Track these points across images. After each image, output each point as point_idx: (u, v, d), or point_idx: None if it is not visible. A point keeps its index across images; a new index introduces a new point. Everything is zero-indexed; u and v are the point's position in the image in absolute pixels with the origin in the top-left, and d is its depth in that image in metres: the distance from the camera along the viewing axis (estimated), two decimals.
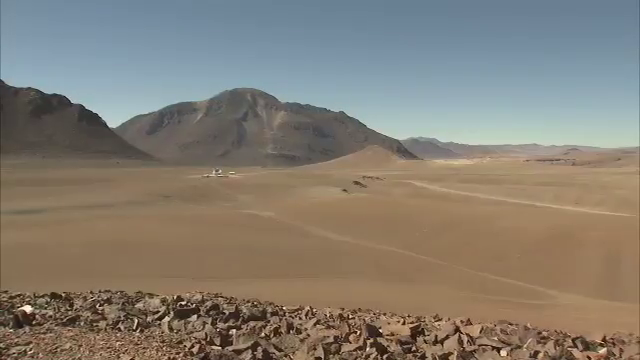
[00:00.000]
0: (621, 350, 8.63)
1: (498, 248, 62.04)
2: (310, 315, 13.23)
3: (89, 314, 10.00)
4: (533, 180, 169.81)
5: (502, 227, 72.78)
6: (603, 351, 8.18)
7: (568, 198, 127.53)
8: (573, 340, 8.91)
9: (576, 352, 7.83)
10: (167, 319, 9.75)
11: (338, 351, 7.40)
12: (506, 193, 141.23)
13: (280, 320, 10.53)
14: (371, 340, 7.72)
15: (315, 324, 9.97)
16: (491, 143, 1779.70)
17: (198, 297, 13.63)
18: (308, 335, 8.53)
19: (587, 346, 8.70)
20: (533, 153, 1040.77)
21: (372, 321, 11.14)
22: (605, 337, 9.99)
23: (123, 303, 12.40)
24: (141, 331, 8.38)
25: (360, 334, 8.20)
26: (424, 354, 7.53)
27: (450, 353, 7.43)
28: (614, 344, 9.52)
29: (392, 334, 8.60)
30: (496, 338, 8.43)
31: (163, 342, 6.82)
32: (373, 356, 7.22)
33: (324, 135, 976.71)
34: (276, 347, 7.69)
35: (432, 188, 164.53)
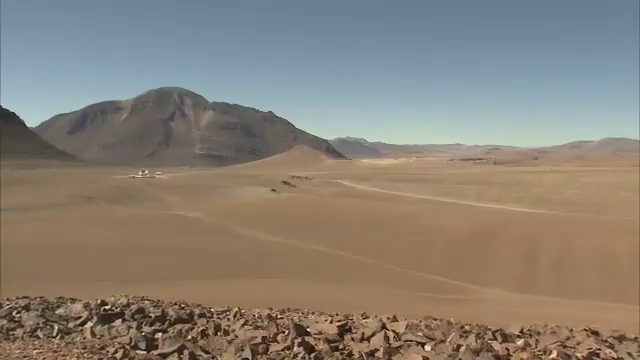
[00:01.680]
0: (537, 341, 9.03)
1: (423, 246, 63.48)
2: (238, 316, 13.12)
3: (5, 322, 9.54)
4: (457, 179, 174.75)
5: (427, 225, 74.50)
6: (520, 342, 8.54)
7: (489, 196, 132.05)
8: (493, 333, 9.25)
9: (495, 344, 8.12)
10: (89, 324, 9.45)
11: (266, 351, 7.40)
12: (431, 192, 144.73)
13: (208, 322, 10.41)
14: (299, 339, 7.75)
15: (243, 325, 9.90)
16: (417, 143, 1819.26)
17: (123, 301, 13.27)
18: (236, 336, 8.47)
19: (506, 338, 9.04)
20: (457, 153, 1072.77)
21: (300, 320, 11.16)
22: (522, 329, 10.41)
23: (43, 309, 11.87)
24: (61, 338, 8.08)
25: (288, 334, 8.22)
26: (351, 351, 7.62)
27: (376, 349, 7.55)
28: (530, 335, 9.93)
29: (320, 333, 8.66)
30: (421, 333, 8.62)
31: (85, 348, 6.62)
32: (301, 355, 7.25)
33: (252, 135, 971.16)
34: (203, 349, 7.61)
35: (360, 187, 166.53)
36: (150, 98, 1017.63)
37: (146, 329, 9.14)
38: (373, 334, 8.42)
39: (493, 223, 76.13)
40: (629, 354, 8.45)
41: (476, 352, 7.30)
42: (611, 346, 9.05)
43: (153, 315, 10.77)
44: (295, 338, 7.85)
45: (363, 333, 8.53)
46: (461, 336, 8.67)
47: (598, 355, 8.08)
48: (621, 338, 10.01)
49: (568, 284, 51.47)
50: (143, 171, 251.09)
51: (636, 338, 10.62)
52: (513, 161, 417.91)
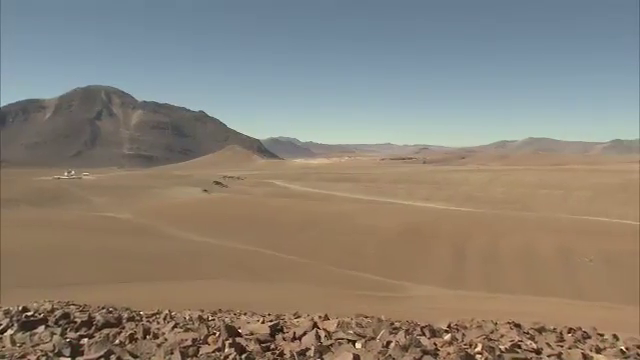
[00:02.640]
0: (463, 335, 9.31)
1: (356, 244, 64.24)
2: (168, 319, 12.88)
3: None
4: (388, 178, 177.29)
5: (360, 224, 75.45)
6: (447, 337, 8.79)
7: (420, 195, 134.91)
8: (422, 328, 9.48)
9: (424, 339, 8.31)
10: (9, 332, 9.05)
11: (196, 354, 7.30)
12: (363, 191, 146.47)
13: (136, 326, 10.17)
14: (230, 341, 7.68)
15: (173, 328, 9.73)
16: (349, 143, 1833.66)
17: (47, 306, 12.80)
18: (165, 339, 8.32)
19: (434, 333, 9.28)
20: (388, 152, 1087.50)
21: (232, 322, 11.07)
22: (450, 324, 10.72)
23: None
24: None
25: (219, 335, 8.13)
26: (282, 351, 7.63)
27: (307, 349, 7.59)
28: (458, 330, 10.23)
29: (251, 333, 8.62)
30: (352, 331, 8.72)
31: (3, 357, 6.36)
32: (232, 356, 7.19)
33: (183, 135, 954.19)
34: (131, 354, 7.43)
35: (293, 187, 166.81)
36: (76, 97, 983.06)
37: (71, 335, 8.83)
38: (304, 333, 8.45)
39: (424, 222, 77.87)
40: (548, 344, 8.85)
41: (405, 348, 7.43)
42: (532, 337, 9.46)
43: (79, 320, 10.42)
44: (226, 339, 7.78)
45: (294, 333, 8.55)
46: (391, 333, 8.81)
47: (520, 347, 8.41)
48: (541, 329, 10.47)
49: (495, 279, 53.27)
50: (69, 172, 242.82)
51: (555, 329, 11.13)
52: (441, 160, 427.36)
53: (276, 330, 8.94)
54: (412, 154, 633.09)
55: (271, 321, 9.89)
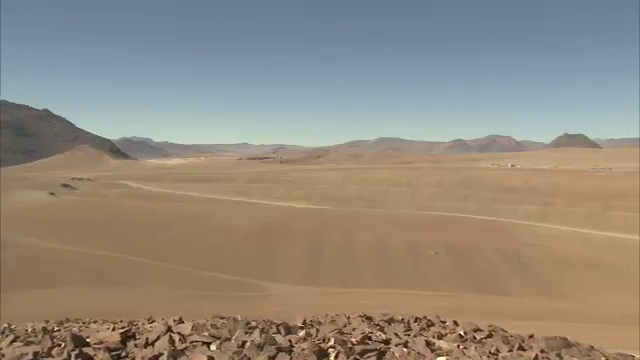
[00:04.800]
0: (317, 330, 9.56)
1: (213, 245, 63.64)
2: (7, 332, 11.96)
3: None
4: (245, 178, 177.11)
5: (217, 224, 74.81)
6: (302, 333, 8.97)
7: (276, 194, 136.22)
8: (277, 326, 9.60)
9: (279, 337, 8.43)
10: None
11: None
12: (220, 191, 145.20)
13: None
14: (76, 351, 7.31)
15: (12, 342, 9.05)
16: (205, 142, 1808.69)
17: None
18: (3, 355, 7.74)
19: (289, 330, 9.44)
20: (245, 152, 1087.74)
21: (80, 331, 10.53)
22: (305, 320, 10.95)
23: None
24: None
25: (64, 346, 7.71)
26: (134, 358, 7.39)
27: (161, 354, 7.41)
28: (312, 325, 10.48)
29: (101, 342, 8.24)
30: (207, 333, 8.64)
31: None
32: None
33: (26, 134, 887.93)
34: None
35: (147, 188, 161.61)
36: None
37: None
38: (158, 338, 8.24)
39: (280, 221, 78.83)
40: (396, 334, 9.34)
41: (260, 347, 7.50)
42: (382, 329, 9.93)
43: None
44: (72, 350, 7.39)
45: (147, 338, 8.31)
46: (247, 332, 8.84)
47: (370, 338, 8.78)
48: (390, 320, 11.03)
49: (349, 274, 55.19)
50: None
51: (403, 319, 11.77)
52: (298, 160, 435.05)
53: (128, 337, 8.63)
54: (269, 154, 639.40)
55: (123, 328, 9.53)
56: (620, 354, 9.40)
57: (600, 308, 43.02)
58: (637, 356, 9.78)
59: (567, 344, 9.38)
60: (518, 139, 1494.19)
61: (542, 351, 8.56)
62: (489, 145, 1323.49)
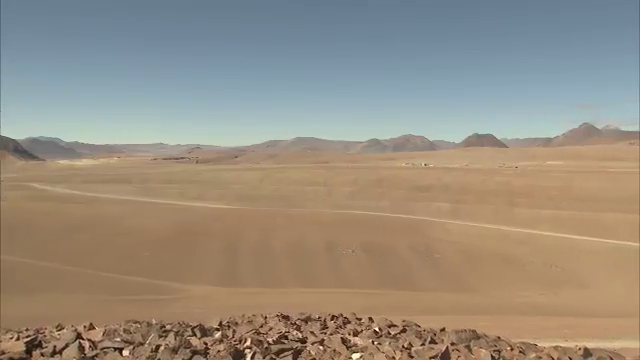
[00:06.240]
0: (234, 331, 9.53)
1: (127, 248, 61.86)
2: None
3: None
4: (159, 178, 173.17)
5: (130, 226, 72.78)
6: (218, 335, 8.91)
7: (192, 194, 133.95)
8: (192, 329, 9.48)
9: (194, 340, 8.33)
10: None
11: None
12: (133, 192, 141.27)
13: None
14: None
15: None
16: (118, 142, 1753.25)
17: None
18: None
19: (205, 332, 9.35)
20: (160, 152, 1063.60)
21: None
22: (221, 321, 10.88)
23: None
24: None
25: None
26: None
27: None
28: (229, 327, 10.42)
29: (3, 352, 7.86)
30: (119, 339, 8.42)
31: None
32: None
33: None
34: None
35: (55, 190, 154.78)
36: None
37: None
38: (66, 346, 7.94)
39: (196, 221, 77.69)
40: (312, 333, 9.44)
41: (174, 350, 7.39)
42: (298, 327, 10.00)
43: None
44: None
45: (55, 346, 7.98)
46: (160, 336, 8.68)
47: (287, 337, 8.84)
48: (307, 319, 11.13)
49: (267, 274, 55.11)
50: None
51: (319, 317, 11.91)
52: (214, 160, 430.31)
53: (34, 346, 8.26)
54: (185, 154, 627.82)
55: (28, 337, 9.09)
56: (523, 343, 9.91)
57: (506, 300, 45.04)
58: (539, 344, 10.34)
59: (476, 336, 9.80)
60: (431, 139, 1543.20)
61: (452, 343, 8.89)
62: (403, 144, 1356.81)
